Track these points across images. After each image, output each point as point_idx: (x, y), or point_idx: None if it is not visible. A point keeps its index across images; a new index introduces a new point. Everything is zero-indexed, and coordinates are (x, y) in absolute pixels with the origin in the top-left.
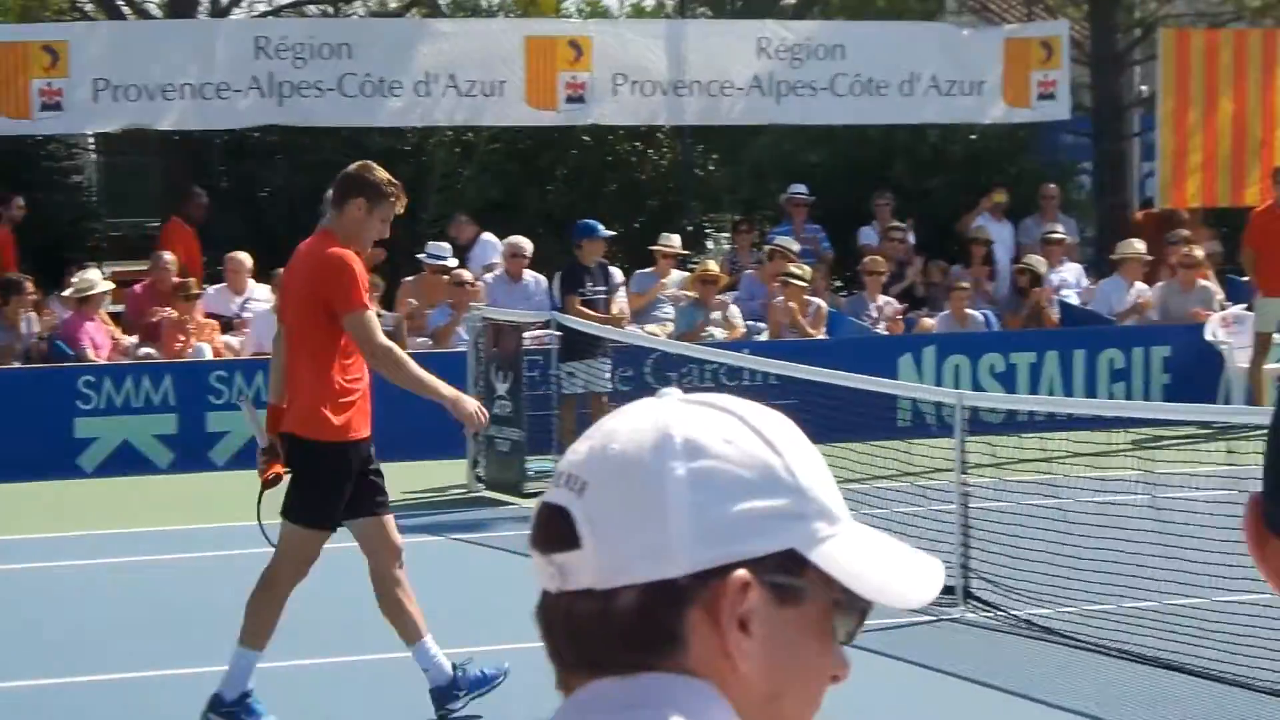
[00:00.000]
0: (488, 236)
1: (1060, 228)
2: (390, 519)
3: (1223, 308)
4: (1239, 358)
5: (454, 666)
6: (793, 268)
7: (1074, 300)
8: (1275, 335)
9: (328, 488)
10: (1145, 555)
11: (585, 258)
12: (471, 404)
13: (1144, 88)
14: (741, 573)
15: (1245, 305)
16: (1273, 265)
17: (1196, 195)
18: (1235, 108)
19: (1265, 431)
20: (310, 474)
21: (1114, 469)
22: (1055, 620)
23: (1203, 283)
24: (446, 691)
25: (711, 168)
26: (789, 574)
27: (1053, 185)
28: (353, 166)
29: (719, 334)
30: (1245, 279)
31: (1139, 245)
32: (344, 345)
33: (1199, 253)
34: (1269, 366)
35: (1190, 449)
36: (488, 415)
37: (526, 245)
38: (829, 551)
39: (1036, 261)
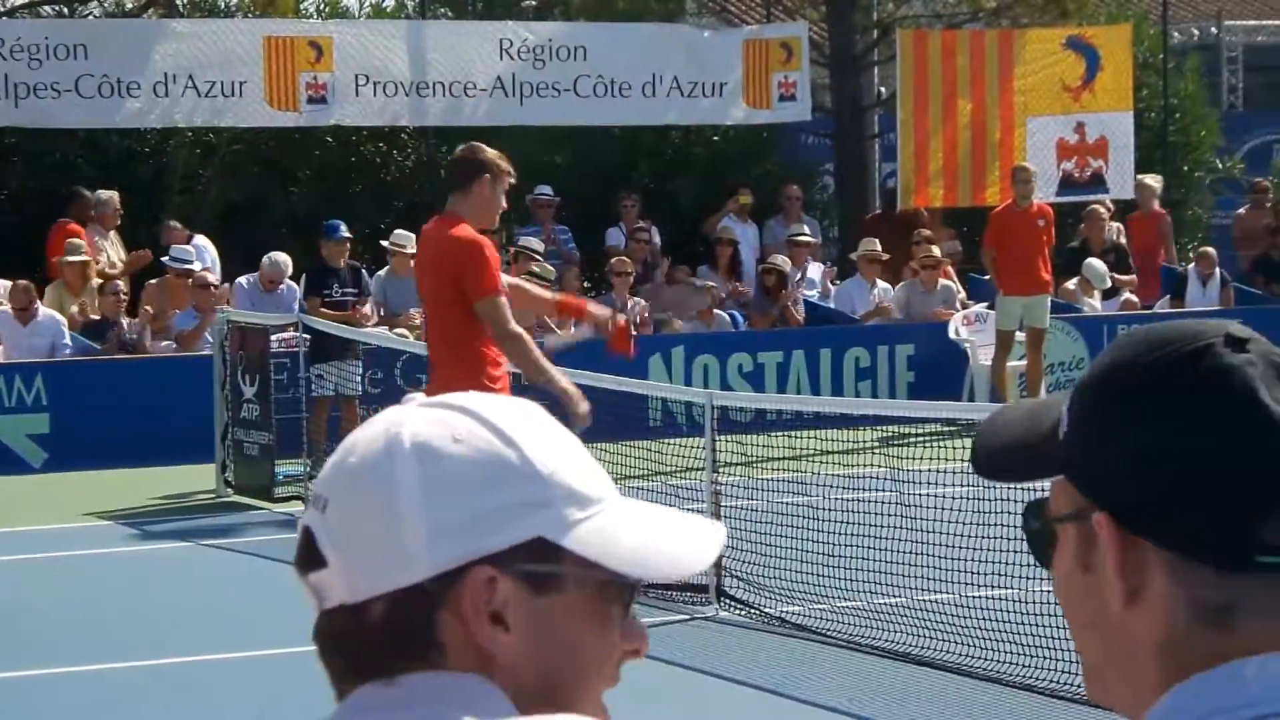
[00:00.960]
0: (201, 241)
1: (805, 228)
2: None
3: (965, 306)
4: (982, 355)
5: None
6: (536, 268)
7: (819, 300)
8: (1017, 333)
9: None
10: (894, 551)
11: (331, 259)
12: (585, 405)
13: (883, 89)
14: (484, 568)
15: (987, 304)
16: (1013, 264)
17: (938, 195)
18: (974, 108)
19: None
20: None
21: (862, 466)
22: (807, 617)
23: (945, 282)
24: None
25: None
26: (542, 562)
27: (796, 186)
28: (463, 149)
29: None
30: (986, 278)
31: (876, 245)
32: (476, 324)
33: (939, 252)
34: (1011, 364)
35: (936, 446)
36: (588, 417)
37: (284, 266)
38: (582, 534)
39: (781, 262)
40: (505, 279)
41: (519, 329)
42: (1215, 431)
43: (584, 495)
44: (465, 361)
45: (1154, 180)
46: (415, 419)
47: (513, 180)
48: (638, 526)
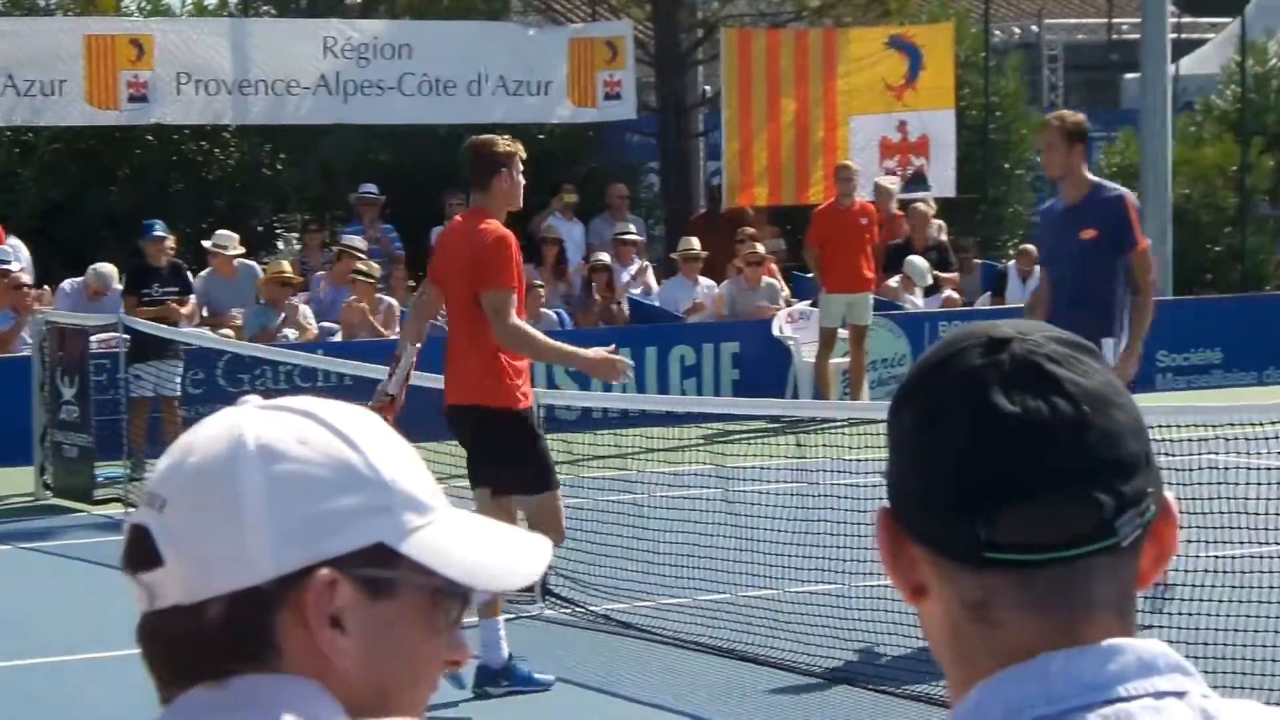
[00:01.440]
0: (14, 241)
1: (630, 227)
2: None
3: (788, 304)
4: (805, 353)
5: (509, 656)
6: (361, 266)
7: (644, 299)
8: (840, 330)
9: (536, 449)
10: (719, 548)
11: (152, 258)
12: (610, 360)
13: (707, 87)
14: (326, 571)
15: (810, 301)
16: (836, 262)
17: (763, 194)
18: (798, 107)
19: (832, 424)
20: (518, 443)
21: (687, 464)
22: (632, 614)
23: (768, 280)
24: (493, 675)
25: (280, 167)
26: (380, 567)
27: (621, 185)
28: (475, 144)
29: (292, 335)
30: (810, 275)
31: (695, 244)
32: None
33: (763, 250)
34: (834, 361)
35: (760, 443)
36: (627, 364)
37: (109, 278)
38: (420, 541)
39: (606, 260)
40: None
41: (519, 322)
42: (947, 433)
43: (422, 503)
44: (482, 356)
45: (889, 182)
46: (258, 421)
47: (523, 157)
48: (471, 537)
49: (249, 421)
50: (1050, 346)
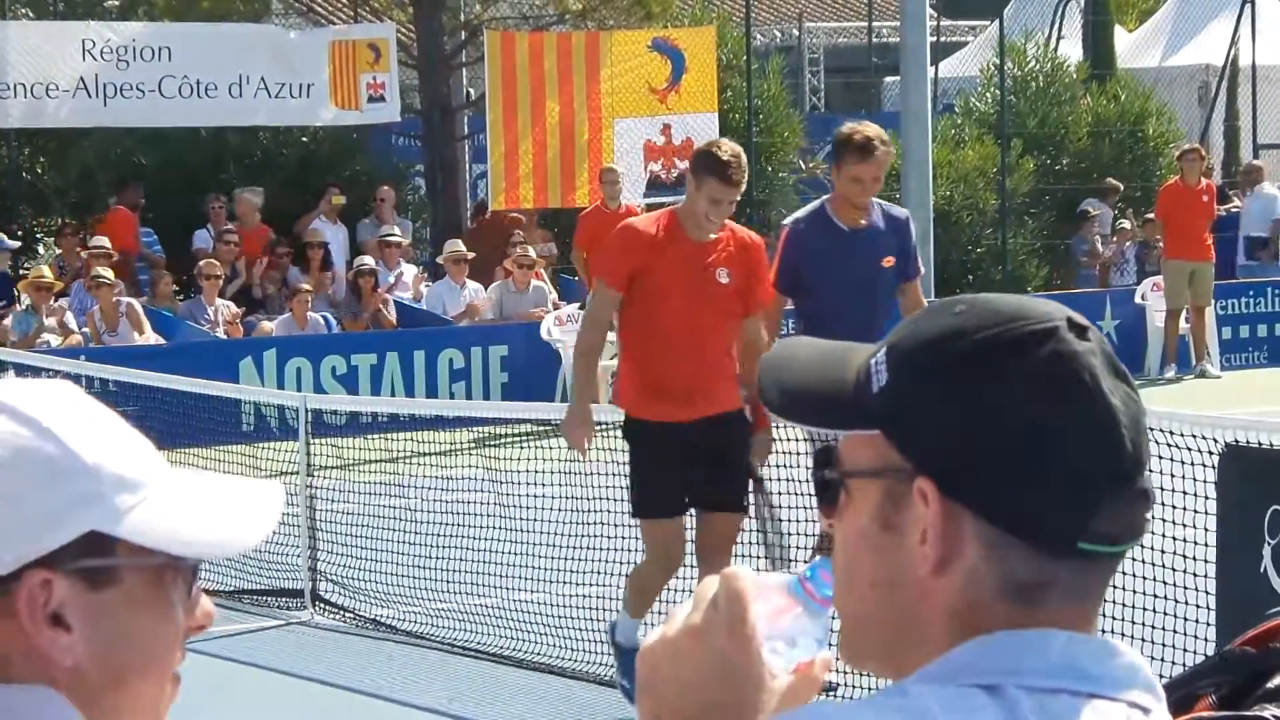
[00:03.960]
0: None
1: (396, 229)
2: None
3: (556, 307)
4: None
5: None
6: (101, 269)
7: (411, 302)
8: (608, 334)
9: (636, 471)
10: (489, 552)
11: None
12: (579, 433)
13: (472, 90)
14: (36, 571)
15: (579, 304)
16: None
17: (528, 197)
18: (562, 109)
19: (603, 427)
20: (630, 456)
21: (457, 468)
22: (404, 620)
23: (536, 283)
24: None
25: (40, 171)
26: (96, 556)
27: (386, 187)
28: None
29: (54, 340)
30: (578, 279)
31: (461, 246)
32: (628, 318)
33: (533, 253)
34: (603, 364)
35: (530, 446)
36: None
37: None
38: (134, 522)
39: (371, 263)
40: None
41: (596, 330)
42: (1060, 415)
43: (133, 480)
44: (620, 360)
45: None
46: None
47: (726, 191)
48: (192, 505)
49: None
50: (1100, 335)
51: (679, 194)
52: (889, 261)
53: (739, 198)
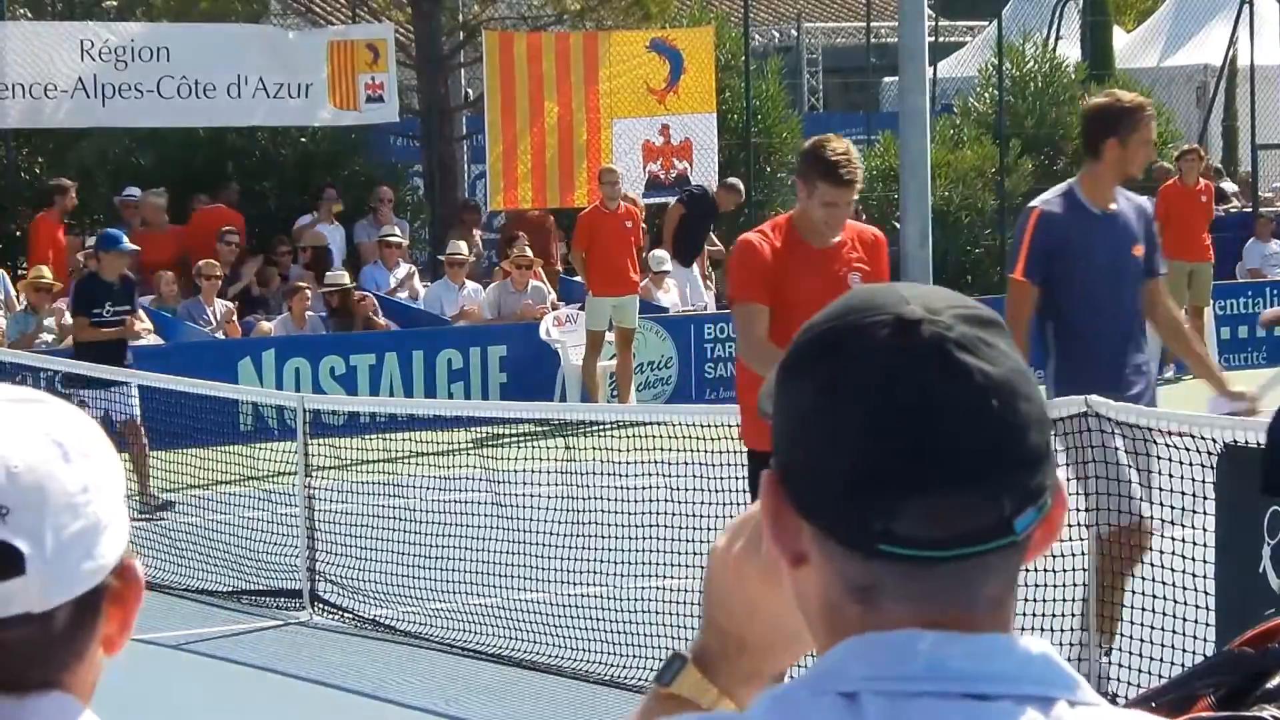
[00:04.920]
0: None
1: (394, 230)
2: None
3: (555, 307)
4: (573, 356)
5: None
6: (44, 273)
7: (409, 302)
8: (607, 334)
9: None
10: (489, 551)
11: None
12: None
13: (471, 91)
14: (132, 561)
15: (578, 305)
16: (602, 265)
17: (527, 197)
18: (560, 110)
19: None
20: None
21: (456, 468)
22: (403, 620)
23: (535, 283)
24: None
25: (39, 171)
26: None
27: (385, 188)
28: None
29: (50, 339)
30: (577, 278)
31: (462, 247)
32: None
33: (530, 252)
34: (601, 364)
35: (529, 446)
36: None
37: None
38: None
39: (347, 280)
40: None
41: (761, 348)
42: (850, 417)
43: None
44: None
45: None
46: (58, 419)
47: (834, 192)
48: None
49: (53, 421)
50: (960, 330)
51: (677, 193)
52: (1139, 250)
53: (856, 198)
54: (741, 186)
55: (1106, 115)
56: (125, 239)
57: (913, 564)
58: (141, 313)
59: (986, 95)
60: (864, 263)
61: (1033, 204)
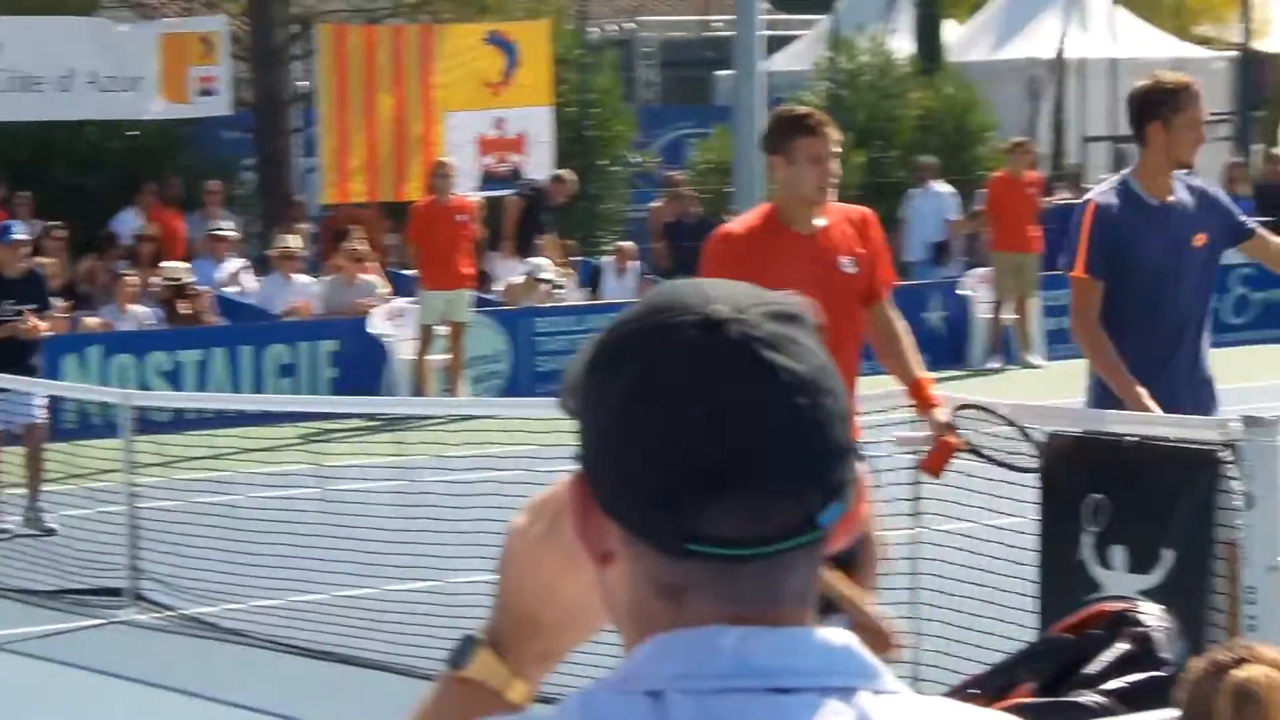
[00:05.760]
0: None
1: (225, 224)
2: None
3: (386, 301)
4: (404, 350)
5: None
6: None
7: (239, 297)
8: (437, 328)
9: None
10: (317, 548)
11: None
12: None
13: (304, 83)
14: None
15: (411, 299)
16: (434, 259)
17: (360, 191)
18: (395, 103)
19: (432, 422)
20: None
21: (284, 464)
22: (229, 618)
23: (366, 276)
24: None
25: None
26: None
27: (216, 181)
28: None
29: None
30: (409, 272)
31: (292, 241)
32: None
33: (362, 246)
34: (432, 358)
35: (358, 441)
36: None
37: None
38: None
39: (179, 267)
40: None
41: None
42: (654, 417)
43: None
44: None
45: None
46: None
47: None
48: None
49: None
50: (766, 328)
51: (512, 187)
52: (1201, 240)
53: (838, 149)
54: (573, 178)
55: (1147, 98)
56: (17, 228)
57: (721, 563)
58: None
59: (820, 89)
60: (857, 244)
61: (1088, 196)
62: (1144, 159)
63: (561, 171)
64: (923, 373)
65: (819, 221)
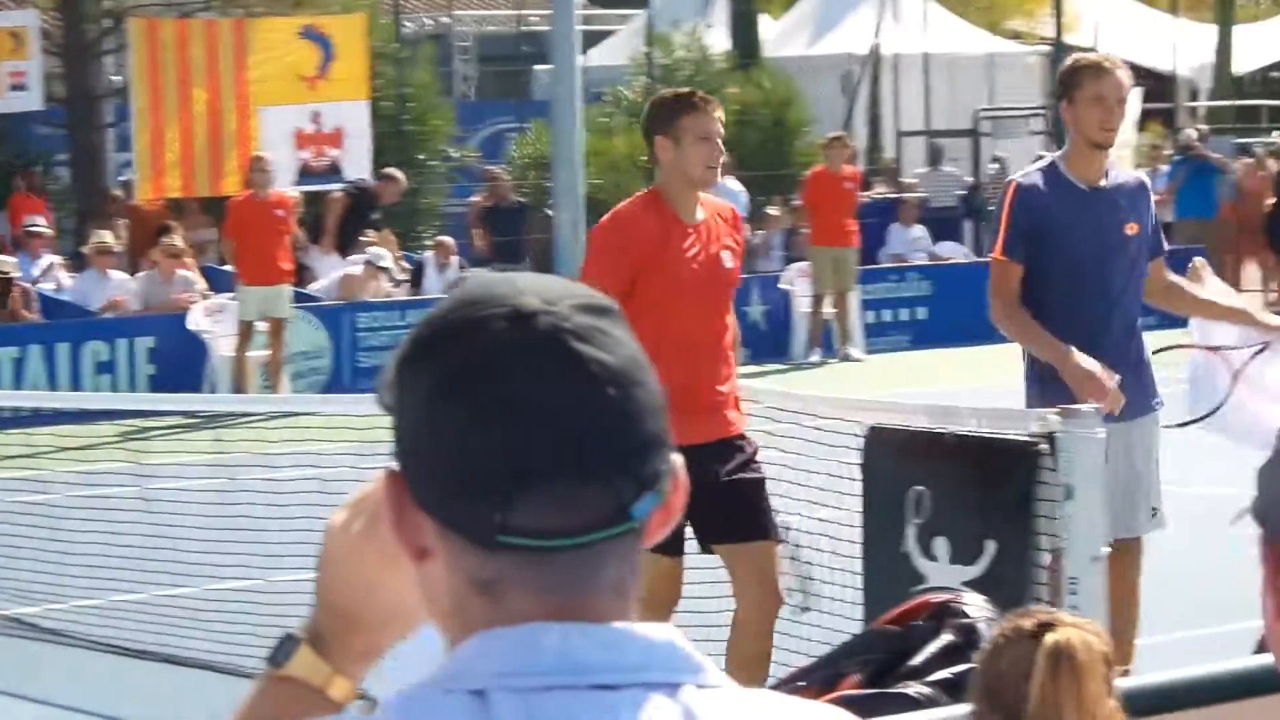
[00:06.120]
0: None
1: (40, 219)
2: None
3: (205, 297)
4: (223, 346)
5: None
6: None
7: (54, 294)
8: (257, 324)
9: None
10: (135, 547)
11: None
12: None
13: (118, 78)
14: None
15: (228, 294)
16: (253, 254)
17: (175, 185)
18: (210, 98)
19: (252, 418)
20: None
21: (103, 462)
22: (50, 618)
23: (183, 272)
24: None
25: None
26: None
27: (28, 176)
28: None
29: None
30: (228, 268)
31: (107, 237)
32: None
33: (179, 242)
34: (252, 354)
35: (178, 439)
36: None
37: None
38: None
39: (6, 261)
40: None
41: None
42: (464, 410)
43: None
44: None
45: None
46: None
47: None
48: None
49: None
50: (576, 319)
51: (330, 182)
52: (1133, 229)
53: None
54: (402, 177)
55: (1060, 77)
56: None
57: (534, 554)
58: None
59: (637, 84)
60: (730, 239)
61: (1013, 177)
62: (1069, 141)
63: (391, 170)
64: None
65: (700, 214)
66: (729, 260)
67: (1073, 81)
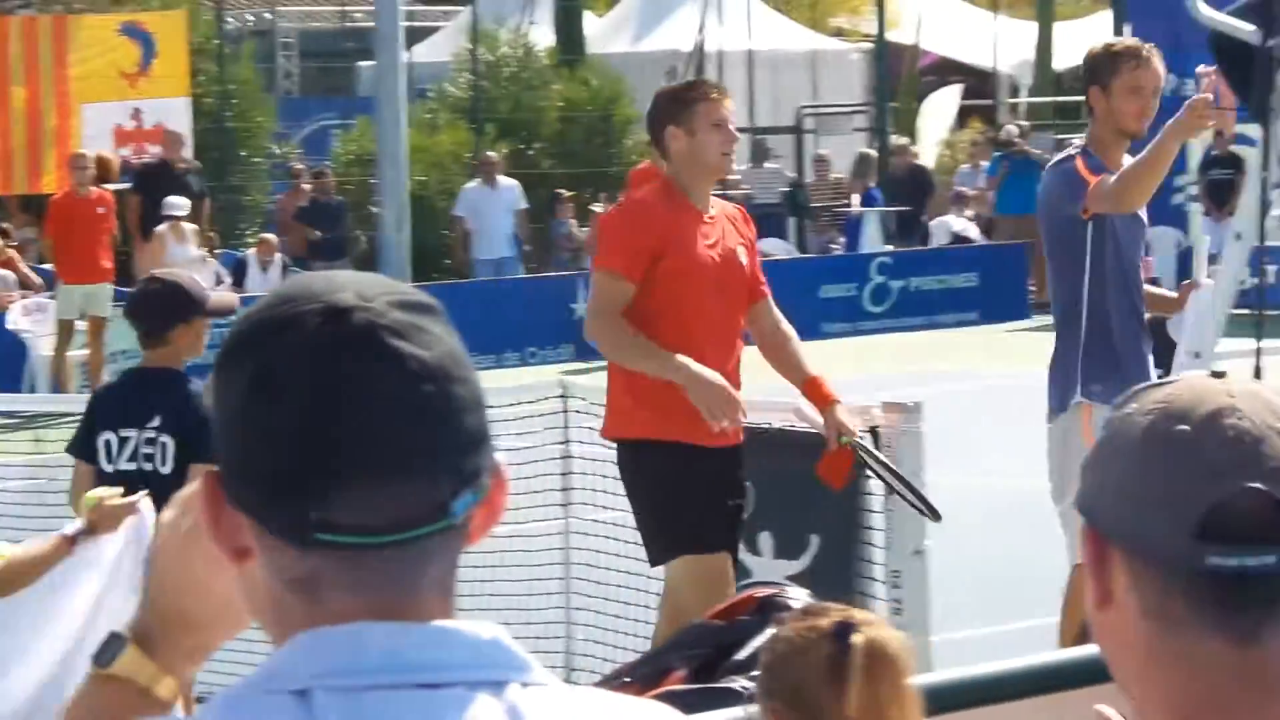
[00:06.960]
0: None
1: None
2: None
3: (24, 295)
4: (43, 346)
5: None
6: None
7: None
8: (77, 322)
9: (670, 499)
10: None
11: None
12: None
13: None
14: None
15: (48, 293)
16: (73, 252)
17: None
18: (29, 95)
19: (72, 418)
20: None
21: None
22: None
23: (2, 271)
24: None
25: None
26: None
27: None
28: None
29: None
30: (47, 266)
31: None
32: (642, 319)
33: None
34: (72, 353)
35: None
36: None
37: None
38: None
39: None
40: None
41: (616, 324)
42: (277, 408)
43: None
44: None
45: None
46: None
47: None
48: None
49: None
50: (392, 316)
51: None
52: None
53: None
54: (181, 132)
55: (1092, 64)
56: None
57: (351, 552)
58: None
59: (461, 80)
60: (744, 237)
61: (1061, 155)
62: (1095, 129)
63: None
64: (816, 370)
65: (713, 208)
66: (744, 256)
67: (1109, 69)
